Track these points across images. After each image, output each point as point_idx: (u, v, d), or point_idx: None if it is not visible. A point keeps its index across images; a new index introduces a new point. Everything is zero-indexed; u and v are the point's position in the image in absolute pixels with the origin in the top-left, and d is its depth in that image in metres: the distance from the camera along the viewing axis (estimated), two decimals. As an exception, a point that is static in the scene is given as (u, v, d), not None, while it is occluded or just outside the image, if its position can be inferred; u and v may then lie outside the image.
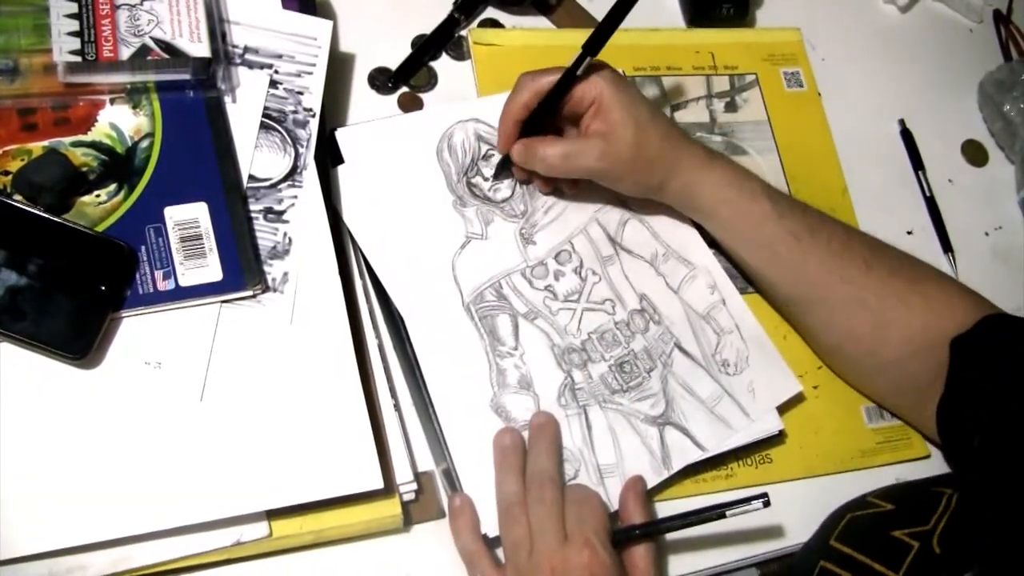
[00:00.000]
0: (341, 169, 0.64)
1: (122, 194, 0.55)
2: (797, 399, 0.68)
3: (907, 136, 0.83)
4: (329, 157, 0.64)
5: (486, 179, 0.66)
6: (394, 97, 0.71)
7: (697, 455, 0.62)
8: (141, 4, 0.58)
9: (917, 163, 0.82)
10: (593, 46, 0.60)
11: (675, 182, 0.64)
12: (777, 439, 0.66)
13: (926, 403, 0.63)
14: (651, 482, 0.61)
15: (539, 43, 0.75)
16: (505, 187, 0.66)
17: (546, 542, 0.53)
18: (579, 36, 0.76)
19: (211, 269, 0.55)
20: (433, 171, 0.66)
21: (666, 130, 0.64)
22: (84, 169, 0.55)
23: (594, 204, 0.68)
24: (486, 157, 0.67)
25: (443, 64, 0.73)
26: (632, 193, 0.66)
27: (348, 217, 0.63)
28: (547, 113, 0.63)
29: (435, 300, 0.62)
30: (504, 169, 0.67)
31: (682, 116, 0.76)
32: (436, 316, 0.61)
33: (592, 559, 0.52)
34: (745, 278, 0.70)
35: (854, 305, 0.64)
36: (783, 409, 0.66)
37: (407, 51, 0.73)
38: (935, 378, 0.62)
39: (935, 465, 0.69)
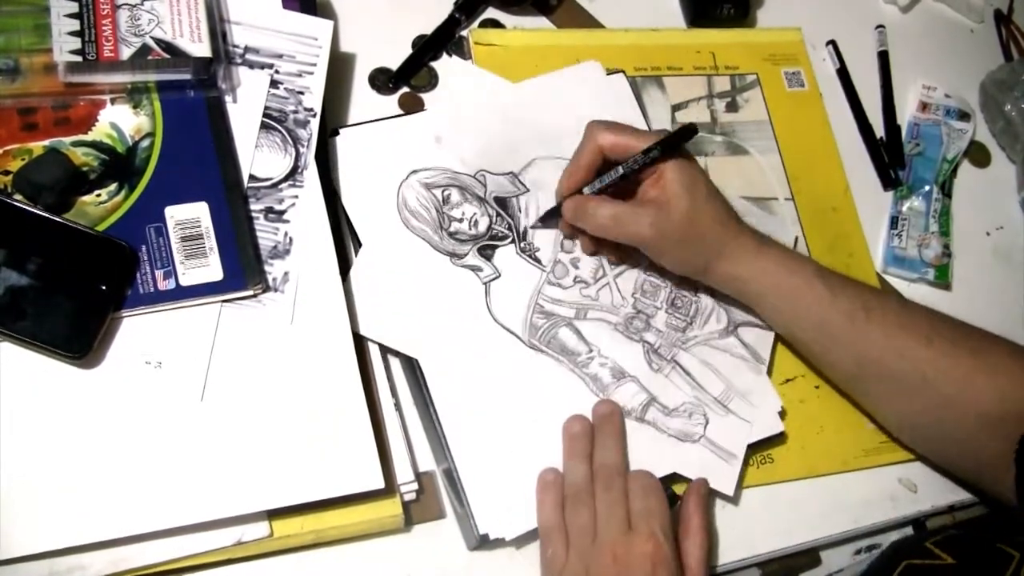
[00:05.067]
0: (343, 177, 0.64)
1: (123, 194, 0.55)
2: (798, 399, 0.68)
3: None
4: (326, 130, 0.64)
5: (459, 220, 0.64)
6: (395, 97, 0.71)
7: (769, 334, 0.68)
8: (142, 4, 0.58)
9: (918, 163, 0.82)
10: (671, 146, 0.61)
11: (722, 267, 0.63)
12: (779, 439, 0.66)
13: (1003, 476, 0.58)
14: (758, 383, 0.66)
15: (540, 43, 0.75)
16: (480, 216, 0.65)
17: (611, 530, 0.54)
18: (580, 36, 0.77)
19: (212, 269, 0.55)
20: (412, 243, 0.63)
21: (721, 213, 0.63)
22: (85, 169, 0.55)
23: (556, 177, 0.66)
24: (446, 200, 0.65)
25: (444, 64, 0.73)
26: (676, 269, 0.64)
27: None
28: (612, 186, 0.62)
29: (503, 358, 0.61)
30: (551, 218, 0.66)
31: (683, 116, 0.76)
32: (515, 371, 0.61)
33: (656, 550, 0.53)
34: (800, 358, 0.69)
35: (916, 382, 0.62)
36: (785, 410, 0.66)
37: (408, 51, 0.73)
38: (1011, 451, 0.58)
39: (938, 465, 0.69)
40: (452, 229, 0.64)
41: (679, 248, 0.62)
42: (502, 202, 0.66)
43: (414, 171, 0.66)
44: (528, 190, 0.67)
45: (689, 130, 0.61)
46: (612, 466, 0.57)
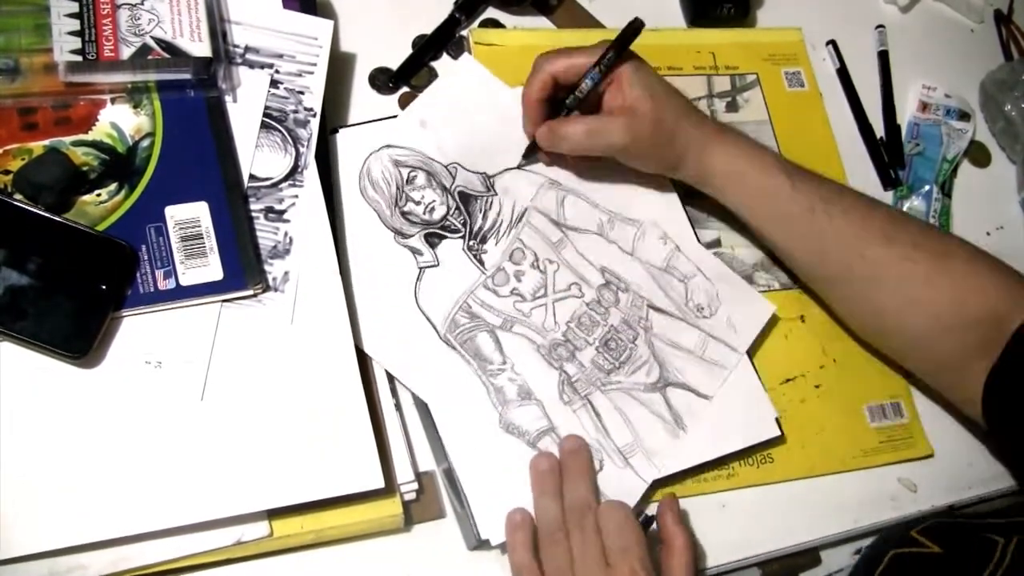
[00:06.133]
0: (343, 176, 0.64)
1: (123, 193, 0.55)
2: (799, 399, 0.68)
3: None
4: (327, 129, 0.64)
5: (416, 203, 0.64)
6: (395, 97, 0.71)
7: (703, 405, 0.64)
8: (142, 3, 0.58)
9: (918, 163, 0.82)
10: (623, 46, 0.63)
11: (691, 160, 0.65)
12: (779, 439, 0.65)
13: (966, 382, 0.61)
14: (670, 447, 0.62)
15: (539, 43, 0.75)
16: (439, 204, 0.65)
17: (588, 568, 0.53)
18: (579, 36, 0.77)
19: (212, 268, 0.55)
20: (362, 212, 0.64)
21: (682, 105, 0.65)
22: (85, 168, 0.55)
23: (529, 191, 0.68)
24: (410, 181, 0.65)
25: (444, 64, 0.73)
26: (653, 170, 0.67)
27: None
28: (568, 97, 0.65)
29: (411, 340, 0.61)
30: (532, 153, 0.68)
31: (683, 116, 0.76)
32: (418, 356, 0.61)
33: None
34: (772, 258, 0.71)
35: (874, 283, 0.63)
36: (785, 409, 0.66)
37: (408, 51, 0.73)
38: (974, 357, 0.60)
39: (939, 465, 0.69)
40: (406, 209, 0.64)
41: (653, 148, 0.64)
42: (465, 198, 0.66)
43: (388, 145, 0.66)
44: (496, 194, 0.67)
45: (635, 26, 0.63)
46: (583, 502, 0.56)
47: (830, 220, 0.63)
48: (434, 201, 0.65)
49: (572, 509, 0.56)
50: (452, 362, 0.61)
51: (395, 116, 0.68)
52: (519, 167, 0.67)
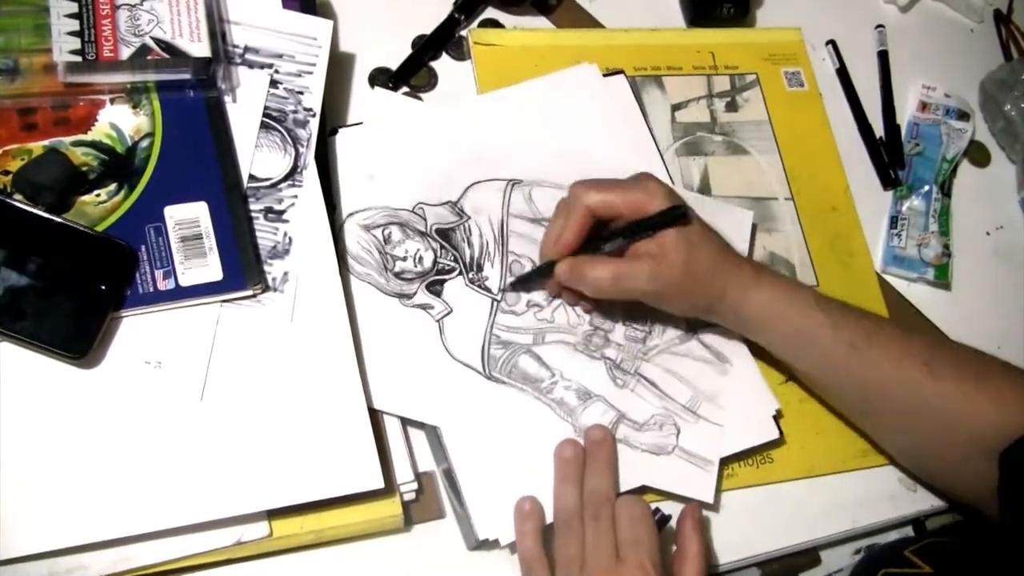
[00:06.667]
0: (342, 176, 0.64)
1: (122, 194, 0.55)
2: (797, 399, 0.68)
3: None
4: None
5: (403, 259, 0.62)
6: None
7: (732, 336, 0.66)
8: (141, 4, 0.58)
9: (918, 163, 0.82)
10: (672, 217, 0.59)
11: (724, 302, 0.62)
12: (778, 439, 0.65)
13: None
14: (723, 385, 0.65)
15: (539, 43, 0.75)
16: (424, 251, 0.63)
17: (599, 560, 0.54)
18: (579, 36, 0.77)
19: (211, 269, 0.55)
20: (359, 290, 0.61)
21: (716, 252, 0.62)
22: (84, 169, 0.55)
23: (496, 199, 0.67)
24: (388, 240, 0.63)
25: (443, 64, 0.73)
26: (682, 313, 0.64)
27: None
28: (600, 241, 0.61)
29: (459, 391, 0.60)
30: (533, 279, 0.64)
31: (683, 116, 0.76)
32: (469, 403, 0.60)
33: None
34: (806, 389, 0.68)
35: (919, 409, 0.61)
36: (784, 410, 0.66)
37: (407, 51, 0.73)
38: None
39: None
40: (397, 269, 0.62)
41: (681, 295, 0.61)
42: (444, 234, 0.64)
43: (351, 214, 0.63)
44: (469, 217, 0.65)
45: (676, 215, 0.59)
46: (602, 493, 0.57)
47: (871, 354, 0.61)
48: (419, 249, 0.63)
49: (590, 499, 0.57)
50: (508, 396, 0.61)
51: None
52: (507, 290, 0.64)
